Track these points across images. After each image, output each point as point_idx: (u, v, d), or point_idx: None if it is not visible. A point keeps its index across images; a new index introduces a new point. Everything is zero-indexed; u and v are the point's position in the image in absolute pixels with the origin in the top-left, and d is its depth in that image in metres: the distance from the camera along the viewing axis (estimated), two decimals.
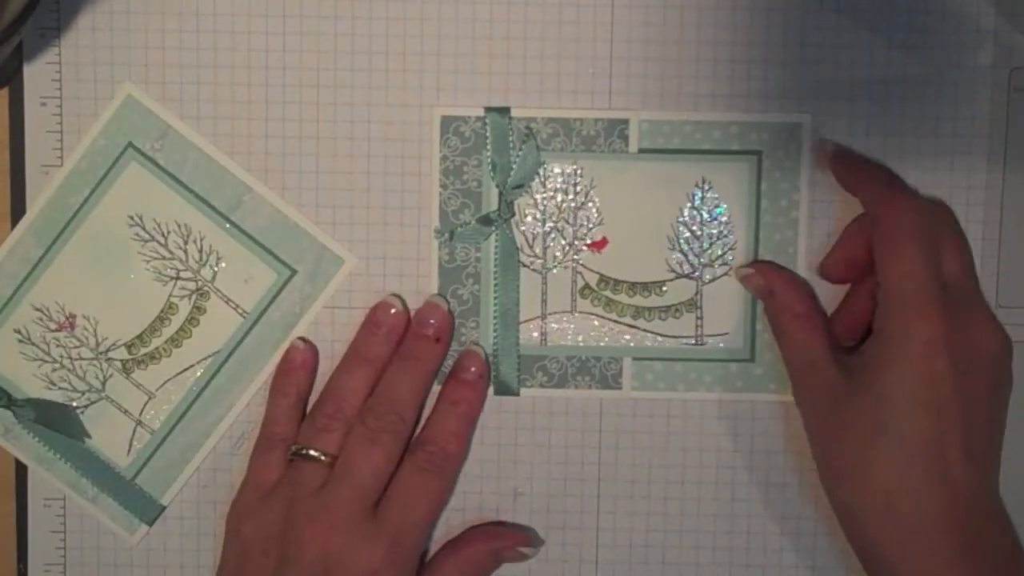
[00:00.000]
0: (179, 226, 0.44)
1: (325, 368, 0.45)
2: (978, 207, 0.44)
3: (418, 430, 0.44)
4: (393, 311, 0.44)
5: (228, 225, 0.44)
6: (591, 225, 0.44)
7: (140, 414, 0.45)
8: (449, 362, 0.44)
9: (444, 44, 0.44)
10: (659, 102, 0.44)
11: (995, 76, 0.43)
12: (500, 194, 0.44)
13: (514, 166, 0.43)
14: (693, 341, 0.44)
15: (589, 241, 0.44)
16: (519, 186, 0.44)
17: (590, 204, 0.44)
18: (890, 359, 0.38)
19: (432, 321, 0.43)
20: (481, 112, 0.43)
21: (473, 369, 0.44)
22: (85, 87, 0.44)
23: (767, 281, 0.43)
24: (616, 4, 0.43)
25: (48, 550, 0.45)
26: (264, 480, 0.43)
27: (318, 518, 0.41)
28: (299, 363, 0.44)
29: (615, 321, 0.44)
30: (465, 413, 0.43)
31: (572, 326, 0.44)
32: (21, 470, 0.45)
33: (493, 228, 0.44)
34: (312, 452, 0.42)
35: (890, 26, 0.43)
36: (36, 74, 0.44)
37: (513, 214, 0.44)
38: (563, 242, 0.44)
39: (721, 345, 0.44)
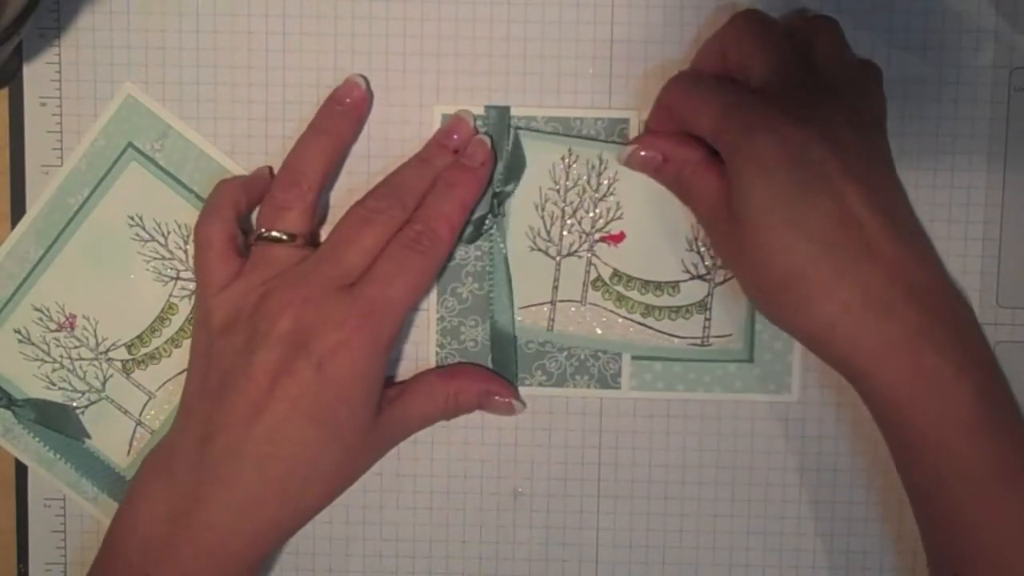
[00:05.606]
0: (179, 226, 0.44)
1: None
2: (978, 207, 0.44)
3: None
4: (357, 91, 0.43)
5: None
6: (610, 218, 0.44)
7: (140, 414, 0.45)
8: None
9: (444, 44, 0.44)
10: None
11: (995, 76, 0.43)
12: (493, 194, 0.44)
13: (502, 166, 0.43)
14: (699, 342, 0.44)
15: (607, 233, 0.44)
16: (507, 185, 0.43)
17: (611, 196, 0.44)
18: (736, 178, 0.37)
19: (455, 137, 0.43)
20: (482, 110, 0.43)
21: (478, 157, 0.43)
22: (85, 87, 0.44)
23: (657, 149, 0.41)
24: (616, 4, 0.43)
25: (48, 550, 0.45)
26: (222, 275, 0.41)
27: (295, 290, 0.40)
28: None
29: (624, 317, 0.44)
30: (461, 198, 0.42)
31: (580, 317, 0.44)
32: (21, 470, 0.45)
33: (487, 227, 0.44)
34: (275, 234, 0.41)
35: (890, 26, 0.43)
36: (36, 74, 0.44)
37: (503, 214, 0.44)
38: (580, 231, 0.44)
39: (720, 346, 0.44)
